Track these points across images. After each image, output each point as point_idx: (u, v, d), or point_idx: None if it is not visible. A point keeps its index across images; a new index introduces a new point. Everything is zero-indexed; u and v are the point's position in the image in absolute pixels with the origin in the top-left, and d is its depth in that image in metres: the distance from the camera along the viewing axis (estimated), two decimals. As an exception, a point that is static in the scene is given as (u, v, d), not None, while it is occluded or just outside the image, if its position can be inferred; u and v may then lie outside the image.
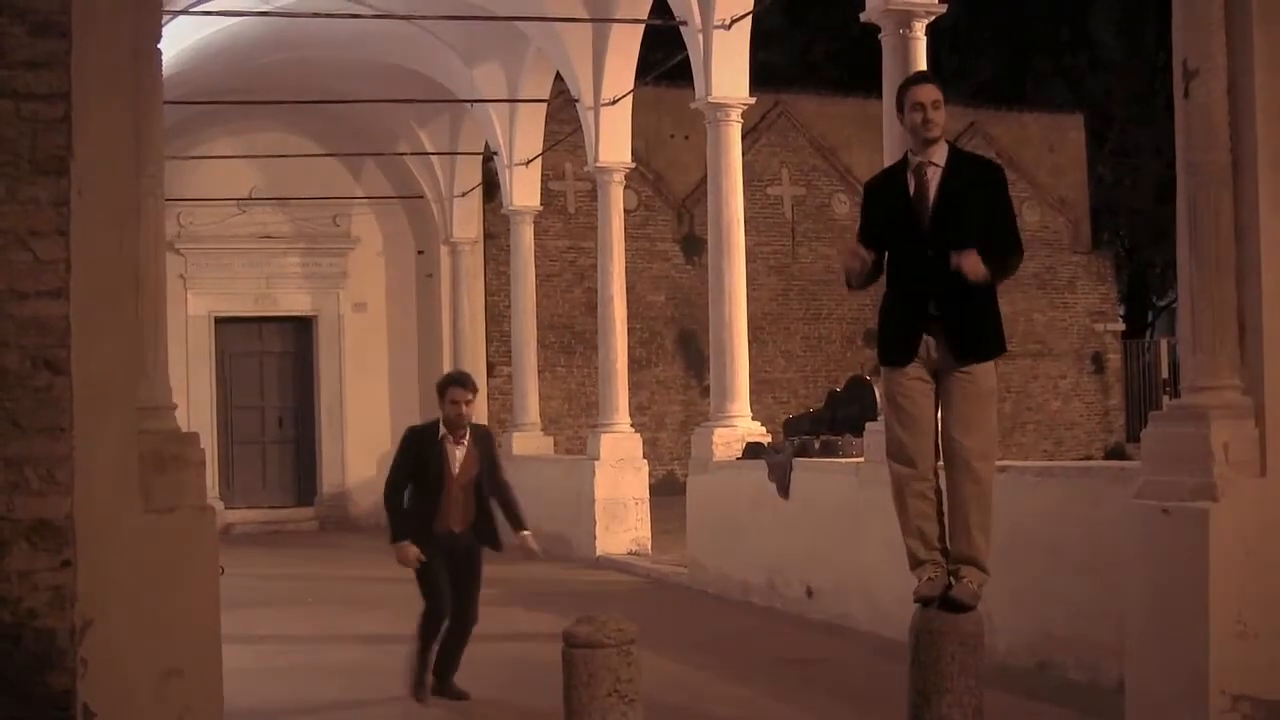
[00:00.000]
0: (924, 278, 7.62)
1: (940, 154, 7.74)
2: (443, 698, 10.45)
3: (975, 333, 7.68)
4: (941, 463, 7.80)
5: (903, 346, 7.70)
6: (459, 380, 10.50)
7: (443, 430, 10.38)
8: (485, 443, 10.61)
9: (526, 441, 23.31)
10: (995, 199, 7.79)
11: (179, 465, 7.56)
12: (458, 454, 10.37)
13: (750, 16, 16.21)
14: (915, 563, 7.73)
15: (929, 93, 7.75)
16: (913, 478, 7.72)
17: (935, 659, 7.54)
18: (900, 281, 7.77)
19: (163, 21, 8.22)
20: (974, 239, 7.59)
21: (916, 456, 7.71)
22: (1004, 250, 7.71)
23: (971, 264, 7.47)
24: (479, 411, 26.77)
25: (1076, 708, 9.34)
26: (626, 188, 21.25)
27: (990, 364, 7.73)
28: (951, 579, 7.65)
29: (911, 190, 7.72)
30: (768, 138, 31.00)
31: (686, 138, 28.87)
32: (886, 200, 7.85)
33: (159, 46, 7.94)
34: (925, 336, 7.65)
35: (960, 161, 7.87)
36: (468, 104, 23.43)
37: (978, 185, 7.76)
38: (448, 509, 10.35)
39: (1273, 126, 8.20)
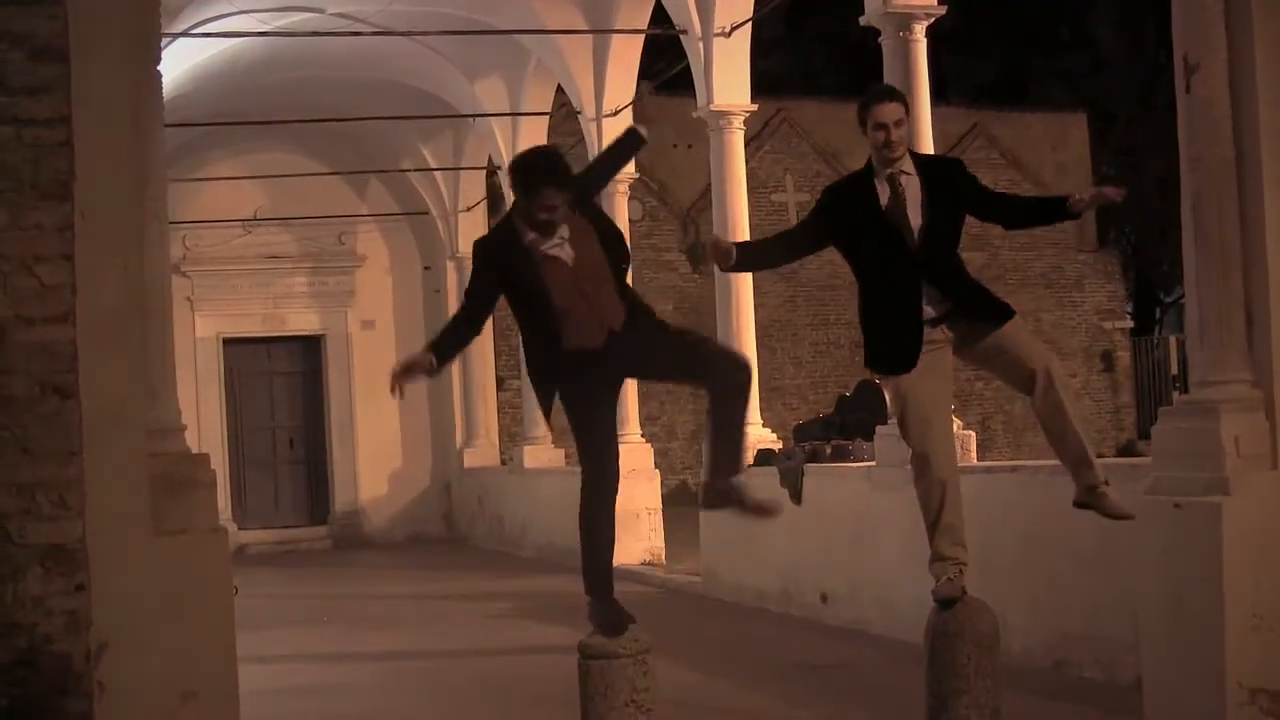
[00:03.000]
0: (913, 284, 7.60)
1: (906, 161, 7.72)
2: (723, 504, 7.88)
3: (989, 298, 7.76)
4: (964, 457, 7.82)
5: (902, 356, 7.67)
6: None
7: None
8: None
9: (538, 454, 23.30)
10: (972, 186, 7.85)
11: (190, 487, 7.56)
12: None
13: (750, 23, 16.21)
14: (937, 557, 7.70)
15: (891, 111, 7.63)
16: (936, 469, 7.70)
17: (951, 661, 7.52)
18: (884, 291, 7.72)
19: (162, 44, 8.23)
20: (956, 237, 7.71)
21: (938, 449, 7.68)
22: (1017, 201, 8.17)
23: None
24: (488, 424, 27.07)
25: (1095, 706, 9.32)
26: (631, 198, 21.27)
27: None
28: (1089, 494, 7.76)
29: (884, 200, 7.66)
30: (771, 144, 31.00)
31: (690, 147, 28.84)
32: (857, 209, 7.75)
33: (159, 69, 7.96)
34: (942, 326, 7.65)
35: (927, 165, 7.91)
36: (470, 119, 23.44)
37: (952, 185, 7.76)
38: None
39: (1275, 118, 8.17)
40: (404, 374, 7.44)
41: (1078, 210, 7.59)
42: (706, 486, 7.88)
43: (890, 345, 7.73)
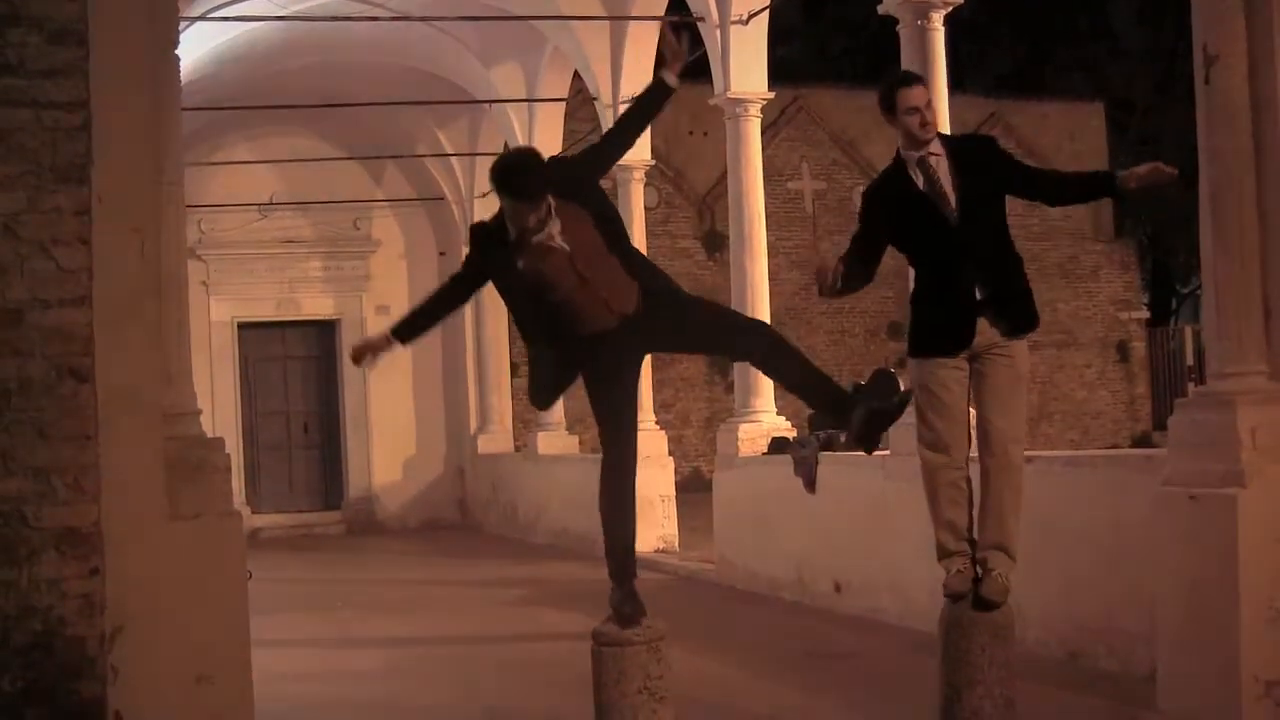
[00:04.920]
0: (959, 264, 7.58)
1: (935, 144, 7.74)
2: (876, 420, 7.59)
3: (1021, 304, 7.72)
4: (974, 450, 7.78)
5: (954, 336, 7.64)
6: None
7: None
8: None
9: (551, 441, 23.28)
10: (1007, 163, 7.87)
11: (204, 471, 7.56)
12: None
13: (767, 11, 16.18)
14: (944, 553, 7.71)
15: (920, 94, 7.71)
16: (946, 466, 7.68)
17: (965, 651, 7.51)
18: (934, 273, 7.73)
19: (180, 27, 8.23)
20: (997, 215, 7.68)
21: (950, 445, 7.67)
22: (1060, 177, 8.13)
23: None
24: (502, 410, 27.03)
25: (1109, 697, 9.29)
26: (647, 185, 21.21)
27: (1026, 346, 7.73)
28: (979, 570, 7.63)
29: (920, 183, 7.68)
30: (787, 132, 31.00)
31: (706, 134, 28.86)
32: (896, 200, 7.77)
33: (177, 52, 7.95)
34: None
35: (956, 145, 7.88)
36: (486, 104, 23.43)
37: (984, 162, 7.77)
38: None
39: (1295, 109, 8.16)
40: (361, 353, 7.77)
41: (1129, 186, 7.52)
42: (852, 435, 7.76)
43: (937, 327, 7.69)
